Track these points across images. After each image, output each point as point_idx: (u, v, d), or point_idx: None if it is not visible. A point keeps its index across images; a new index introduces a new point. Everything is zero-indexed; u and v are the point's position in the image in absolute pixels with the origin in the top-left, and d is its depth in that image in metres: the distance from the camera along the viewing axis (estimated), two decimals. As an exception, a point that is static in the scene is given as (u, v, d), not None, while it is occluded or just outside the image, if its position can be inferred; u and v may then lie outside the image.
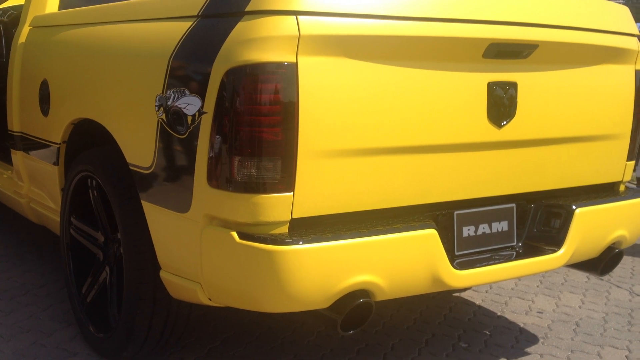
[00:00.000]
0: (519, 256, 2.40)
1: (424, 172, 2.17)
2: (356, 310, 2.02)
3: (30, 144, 3.23)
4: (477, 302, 3.43)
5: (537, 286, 3.71)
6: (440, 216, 2.26)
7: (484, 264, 2.28)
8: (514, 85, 2.32)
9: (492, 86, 2.27)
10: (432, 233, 2.11)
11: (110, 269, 2.67)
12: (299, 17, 1.91)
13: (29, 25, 3.36)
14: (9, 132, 3.44)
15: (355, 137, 2.02)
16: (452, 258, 2.22)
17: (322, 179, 1.99)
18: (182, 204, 2.11)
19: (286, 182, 1.95)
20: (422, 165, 2.17)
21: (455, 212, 2.28)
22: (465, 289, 3.56)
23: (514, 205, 2.45)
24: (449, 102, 2.18)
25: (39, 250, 4.01)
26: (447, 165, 2.22)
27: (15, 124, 3.36)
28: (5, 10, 4.55)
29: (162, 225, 2.24)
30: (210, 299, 2.12)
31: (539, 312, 3.35)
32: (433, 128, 2.16)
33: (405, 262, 2.07)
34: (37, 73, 3.13)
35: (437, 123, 2.16)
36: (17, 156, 3.40)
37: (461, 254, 2.30)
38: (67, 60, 2.86)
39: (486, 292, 3.58)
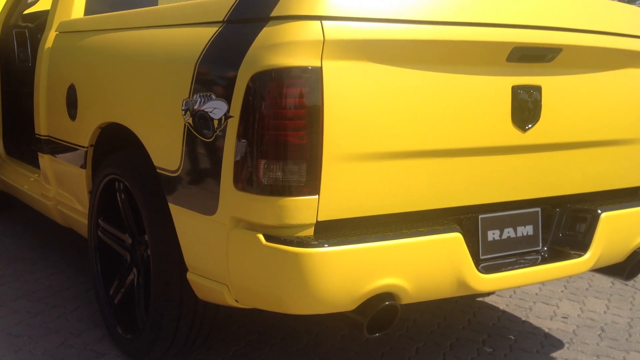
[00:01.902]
0: (544, 260, 2.39)
1: (448, 175, 2.18)
2: (382, 313, 2.02)
3: (57, 147, 3.28)
4: (501, 307, 3.42)
5: (562, 291, 3.69)
6: (465, 220, 2.26)
7: (509, 268, 2.28)
8: (538, 89, 2.32)
9: (516, 90, 2.27)
10: (457, 237, 2.11)
11: (137, 270, 2.71)
12: (323, 22, 1.92)
13: (55, 31, 3.42)
14: (36, 136, 3.49)
15: (379, 141, 2.03)
16: (477, 262, 2.22)
17: (346, 182, 2.00)
18: (208, 207, 2.13)
19: (311, 185, 1.96)
20: (446, 168, 2.17)
21: (480, 216, 2.28)
22: (489, 294, 3.54)
23: (539, 209, 2.44)
24: (473, 106, 2.18)
25: (64, 253, 4.06)
26: (472, 169, 2.22)
27: (42, 128, 3.42)
28: (30, 15, 4.64)
29: (189, 228, 2.27)
30: (236, 301, 2.14)
31: (564, 317, 3.33)
32: (457, 132, 2.16)
33: (431, 266, 2.08)
34: (64, 78, 3.17)
35: (461, 127, 2.17)
36: (44, 159, 3.46)
37: (486, 257, 2.29)
38: (95, 65, 2.90)
39: (510, 297, 3.56)
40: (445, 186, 2.18)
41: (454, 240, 2.11)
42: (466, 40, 2.12)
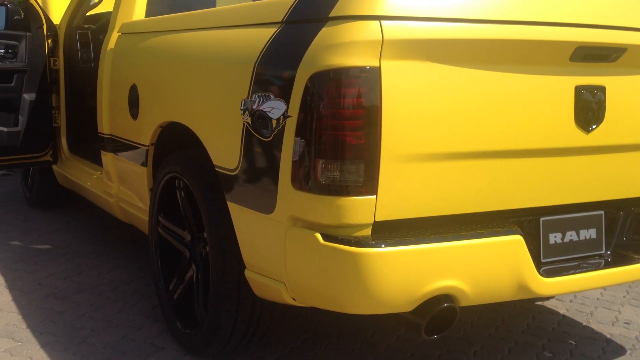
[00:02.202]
0: (608, 265, 2.33)
1: (509, 177, 2.14)
2: (440, 315, 2.01)
3: (119, 146, 3.36)
4: (561, 312, 3.34)
5: (624, 296, 3.58)
6: (526, 222, 2.21)
7: (572, 272, 2.23)
8: (602, 89, 2.26)
9: (579, 90, 2.22)
10: (517, 239, 2.08)
11: (196, 267, 2.75)
12: (382, 21, 1.92)
13: (118, 32, 3.50)
14: (99, 134, 3.59)
15: (438, 141, 2.01)
16: (538, 265, 2.18)
17: (404, 182, 1.99)
18: (266, 205, 2.15)
19: (369, 185, 1.96)
20: (507, 170, 2.13)
21: (542, 219, 2.24)
22: (549, 298, 3.47)
23: (602, 212, 2.38)
24: (535, 106, 2.15)
25: (125, 248, 4.16)
26: (534, 171, 2.18)
27: (105, 127, 3.51)
28: (93, 17, 4.77)
29: (247, 226, 2.29)
30: (294, 299, 2.15)
31: (626, 323, 3.23)
32: (519, 132, 2.12)
33: (491, 268, 2.05)
34: (126, 78, 3.25)
35: (523, 127, 2.13)
36: (107, 157, 3.55)
37: (547, 261, 2.25)
38: (156, 66, 2.96)
39: (570, 301, 3.48)
40: (506, 188, 2.14)
41: (515, 243, 2.08)
42: (528, 39, 2.08)
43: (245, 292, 2.42)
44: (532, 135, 2.15)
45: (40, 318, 3.12)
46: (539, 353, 2.89)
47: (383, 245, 1.92)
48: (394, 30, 1.92)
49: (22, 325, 3.04)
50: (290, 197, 2.05)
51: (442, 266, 1.98)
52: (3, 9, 4.57)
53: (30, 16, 4.36)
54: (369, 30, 1.91)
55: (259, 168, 2.19)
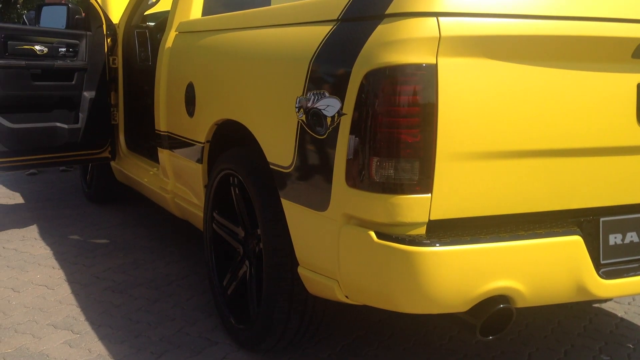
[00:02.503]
0: (670, 267, 2.26)
1: (567, 176, 2.10)
2: (495, 316, 1.98)
3: (176, 143, 3.42)
4: (619, 314, 3.26)
5: (686, 300, 3.47)
6: (585, 223, 2.16)
7: (632, 274, 2.16)
8: (665, 86, 2.19)
9: (642, 87, 2.15)
10: (577, 240, 2.03)
11: (249, 263, 2.78)
12: (439, 18, 1.90)
13: (175, 31, 3.55)
14: (156, 131, 3.65)
15: (495, 140, 1.98)
16: (597, 266, 2.13)
17: (460, 181, 1.97)
18: (320, 203, 2.16)
19: (424, 184, 1.94)
20: (566, 169, 2.09)
21: (602, 219, 2.18)
22: (607, 300, 3.38)
23: (665, 213, 2.30)
24: (595, 104, 2.09)
25: (180, 244, 4.24)
26: (593, 170, 2.13)
27: (162, 124, 3.57)
28: (151, 16, 4.86)
29: (300, 223, 2.30)
30: (347, 297, 2.15)
31: (689, 328, 3.13)
32: (578, 131, 2.08)
33: (548, 269, 2.01)
34: (183, 76, 3.30)
35: (582, 125, 2.08)
36: (163, 154, 3.61)
37: (607, 262, 2.19)
38: (212, 64, 3.00)
39: (629, 304, 3.39)
40: (565, 187, 2.10)
41: (574, 244, 2.03)
42: (589, 35, 2.03)
43: (298, 289, 2.44)
44: (592, 133, 2.10)
45: (98, 311, 3.20)
46: (595, 356, 2.82)
47: (438, 245, 1.91)
48: (451, 27, 1.90)
49: (81, 317, 3.13)
50: (344, 195, 2.06)
51: (498, 266, 1.95)
52: (64, 8, 4.71)
53: (91, 16, 4.48)
54: (426, 27, 1.89)
55: (313, 165, 2.20)
